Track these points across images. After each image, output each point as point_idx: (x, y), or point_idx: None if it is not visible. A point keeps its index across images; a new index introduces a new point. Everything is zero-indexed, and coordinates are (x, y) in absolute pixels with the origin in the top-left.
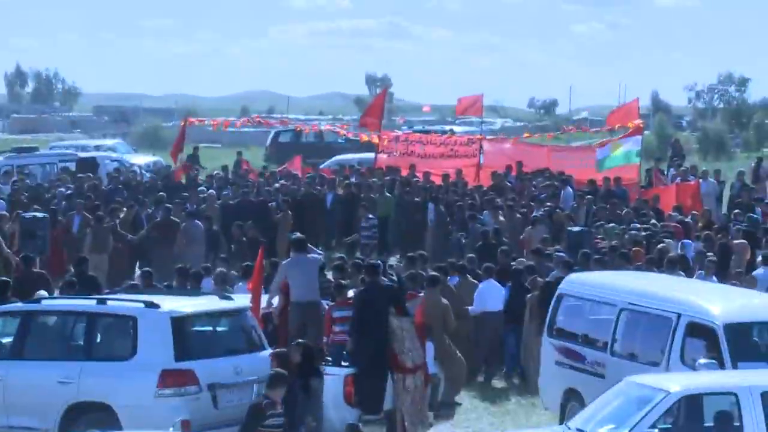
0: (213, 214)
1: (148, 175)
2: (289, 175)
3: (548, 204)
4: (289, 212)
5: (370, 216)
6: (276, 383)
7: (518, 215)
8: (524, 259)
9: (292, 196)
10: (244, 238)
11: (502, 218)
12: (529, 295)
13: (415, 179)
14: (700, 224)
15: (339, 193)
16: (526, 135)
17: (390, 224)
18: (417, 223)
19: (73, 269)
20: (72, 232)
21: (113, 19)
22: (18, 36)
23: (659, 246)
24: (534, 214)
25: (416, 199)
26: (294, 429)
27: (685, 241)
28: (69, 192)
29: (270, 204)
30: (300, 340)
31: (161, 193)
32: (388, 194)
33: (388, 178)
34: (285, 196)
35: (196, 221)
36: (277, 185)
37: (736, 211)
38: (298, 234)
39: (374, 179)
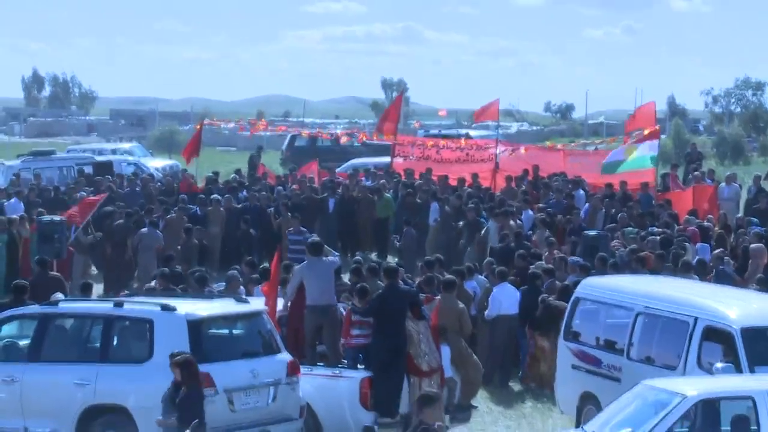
0: (217, 219)
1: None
2: (294, 180)
3: (547, 208)
4: (289, 215)
5: (303, 228)
6: (426, 405)
7: (519, 221)
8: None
9: (293, 201)
10: (196, 241)
11: (512, 222)
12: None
13: (419, 183)
14: (716, 228)
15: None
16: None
17: (390, 226)
18: (420, 225)
19: (161, 268)
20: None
21: (129, 24)
22: (35, 40)
23: (674, 251)
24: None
25: (418, 200)
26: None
27: (702, 245)
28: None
29: (268, 209)
30: (184, 354)
31: (183, 196)
32: (387, 195)
33: (395, 180)
34: (285, 200)
35: (156, 231)
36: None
37: (738, 216)
38: (315, 237)
39: (383, 181)
